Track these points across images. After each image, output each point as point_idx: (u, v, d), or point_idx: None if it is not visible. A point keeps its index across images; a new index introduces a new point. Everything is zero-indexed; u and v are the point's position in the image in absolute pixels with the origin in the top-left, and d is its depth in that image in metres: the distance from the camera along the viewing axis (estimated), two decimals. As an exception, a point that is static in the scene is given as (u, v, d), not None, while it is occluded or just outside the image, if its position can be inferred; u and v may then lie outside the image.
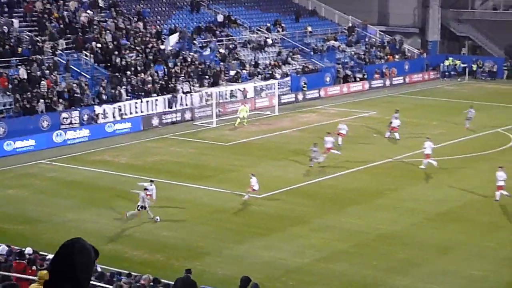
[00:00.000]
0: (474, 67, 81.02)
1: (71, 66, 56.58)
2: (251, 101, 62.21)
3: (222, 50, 67.69)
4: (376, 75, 75.31)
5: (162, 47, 61.55)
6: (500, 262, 29.46)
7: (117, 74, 57.52)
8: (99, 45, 59.77)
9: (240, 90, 62.32)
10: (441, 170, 43.01)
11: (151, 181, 35.43)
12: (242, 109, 56.10)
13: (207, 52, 65.79)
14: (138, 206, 34.14)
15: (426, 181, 40.90)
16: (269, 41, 72.85)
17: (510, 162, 44.68)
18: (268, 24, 75.73)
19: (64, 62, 56.61)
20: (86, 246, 6.10)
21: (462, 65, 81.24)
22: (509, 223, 34.11)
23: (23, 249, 24.59)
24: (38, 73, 53.84)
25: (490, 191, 38.60)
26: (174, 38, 61.87)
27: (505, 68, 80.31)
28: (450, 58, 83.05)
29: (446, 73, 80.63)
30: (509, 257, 30.05)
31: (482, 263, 29.33)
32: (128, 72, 58.11)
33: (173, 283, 23.14)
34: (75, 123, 51.82)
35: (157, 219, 34.20)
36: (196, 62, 63.35)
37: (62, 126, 51.01)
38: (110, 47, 60.09)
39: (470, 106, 55.04)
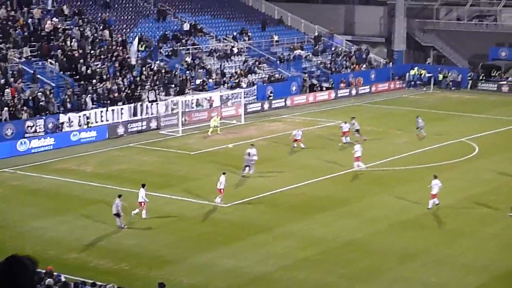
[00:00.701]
0: (440, 76, 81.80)
1: (37, 74, 56.25)
2: (218, 110, 62.23)
3: (188, 59, 67.69)
4: (342, 84, 75.71)
5: (132, 62, 61.11)
6: (460, 269, 29.78)
7: (82, 82, 57.29)
8: (64, 52, 59.48)
9: (206, 99, 62.36)
10: (404, 178, 43.37)
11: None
12: (215, 119, 56.22)
13: (176, 62, 65.53)
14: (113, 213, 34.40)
15: (391, 190, 41.17)
16: (235, 50, 72.99)
17: (474, 171, 45.34)
18: (235, 33, 75.87)
19: (28, 70, 56.28)
20: (23, 261, 6.21)
21: (428, 75, 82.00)
22: (472, 231, 34.46)
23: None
24: (2, 81, 53.49)
25: (453, 200, 39.06)
26: (134, 47, 61.46)
27: (469, 78, 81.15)
28: (416, 68, 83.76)
29: (412, 83, 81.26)
30: (469, 264, 30.37)
31: (443, 271, 29.61)
32: (94, 81, 57.92)
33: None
34: (40, 132, 51.50)
35: (124, 226, 34.31)
36: (162, 71, 63.27)
37: (27, 135, 50.67)
38: (76, 55, 59.80)
39: (417, 116, 55.44)
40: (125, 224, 34.52)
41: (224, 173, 38.66)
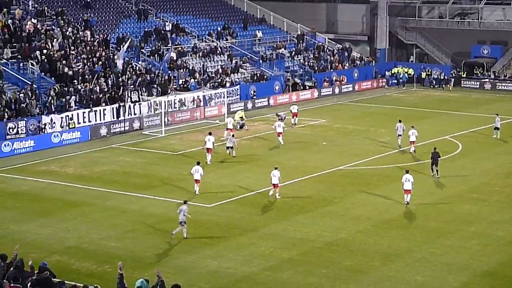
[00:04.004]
0: (423, 74, 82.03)
1: (18, 76, 55.97)
2: (200, 110, 62.17)
3: (173, 55, 67.47)
4: (325, 83, 75.78)
5: (118, 65, 60.63)
6: (442, 268, 29.83)
7: (62, 83, 57.01)
8: (45, 53, 59.20)
9: (194, 98, 62.24)
10: (389, 177, 43.45)
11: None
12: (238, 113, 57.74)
13: (166, 61, 65.31)
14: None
15: (374, 189, 41.20)
16: (218, 50, 72.86)
17: (457, 169, 45.48)
18: (217, 32, 75.70)
19: (9, 71, 55.96)
20: None
21: (410, 73, 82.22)
22: (454, 230, 34.54)
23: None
24: (-17, 82, 53.22)
25: (436, 198, 39.19)
26: (122, 53, 60.92)
27: (452, 76, 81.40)
28: (399, 66, 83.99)
29: (395, 81, 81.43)
30: (452, 262, 30.44)
31: (427, 269, 29.68)
32: (75, 81, 57.67)
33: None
34: (21, 133, 51.23)
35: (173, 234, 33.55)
36: (144, 71, 63.06)
37: (8, 136, 50.39)
38: (57, 56, 59.49)
39: (399, 120, 52.04)
40: (175, 233, 33.57)
41: (276, 168, 39.19)
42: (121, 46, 62.31)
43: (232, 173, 44.61)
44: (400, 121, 51.27)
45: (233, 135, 49.50)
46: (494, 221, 35.89)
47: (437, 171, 43.50)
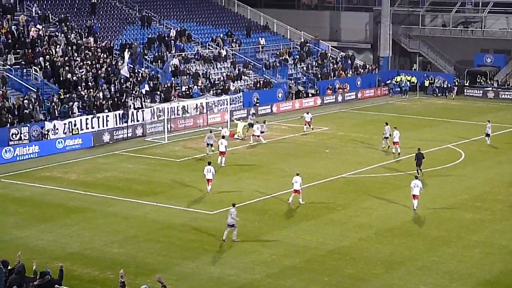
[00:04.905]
0: (426, 83, 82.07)
1: (21, 82, 56.05)
2: (203, 117, 62.20)
3: (175, 62, 67.53)
4: (329, 91, 75.82)
5: (123, 73, 60.39)
6: (444, 277, 29.77)
7: (65, 89, 57.06)
8: (48, 59, 59.27)
9: (198, 105, 62.29)
10: (392, 185, 43.43)
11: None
12: (240, 125, 57.26)
13: (170, 67, 65.16)
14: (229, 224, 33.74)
15: (377, 197, 41.17)
16: (221, 57, 72.93)
17: (460, 178, 45.43)
18: (220, 40, 75.79)
19: (13, 77, 56.05)
20: None
21: (414, 81, 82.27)
22: (456, 238, 34.49)
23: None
24: (-14, 88, 53.27)
25: (439, 206, 39.16)
26: (125, 63, 60.46)
27: (455, 84, 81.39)
28: (402, 74, 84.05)
29: (398, 89, 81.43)
30: (454, 271, 30.37)
31: (429, 277, 29.63)
32: (79, 88, 57.73)
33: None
34: (25, 139, 51.29)
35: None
36: (147, 78, 63.11)
37: (11, 142, 50.45)
38: (60, 62, 59.57)
39: (385, 123, 53.68)
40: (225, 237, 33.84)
41: (298, 174, 39.33)
42: (123, 56, 61.83)
43: (234, 180, 44.60)
44: (386, 124, 52.92)
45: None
46: (497, 230, 35.83)
47: (420, 170, 44.57)
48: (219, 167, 46.28)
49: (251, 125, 57.01)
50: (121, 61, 62.04)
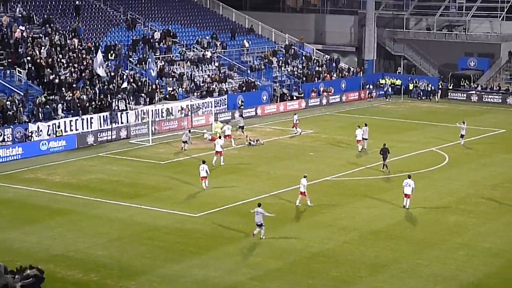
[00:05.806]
0: (411, 86, 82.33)
1: (4, 83, 55.76)
2: (188, 119, 62.10)
3: (159, 64, 67.39)
4: (313, 94, 75.87)
5: (101, 74, 60.05)
6: (430, 279, 29.85)
7: (49, 91, 56.80)
8: (32, 61, 58.98)
9: (182, 107, 62.18)
10: (376, 188, 43.51)
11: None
12: (216, 126, 57.35)
13: (153, 72, 64.84)
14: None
15: (361, 200, 41.23)
16: (206, 59, 72.85)
17: (444, 181, 45.56)
18: (205, 42, 75.72)
19: (-3, 78, 55.93)
20: None
21: (398, 84, 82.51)
22: (441, 241, 34.58)
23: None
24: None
25: (423, 209, 39.24)
26: (98, 60, 59.94)
27: (439, 87, 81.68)
28: (386, 77, 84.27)
29: (382, 92, 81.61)
30: (438, 273, 30.44)
31: (413, 280, 29.69)
32: (63, 89, 57.48)
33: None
34: (8, 141, 51.01)
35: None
36: (131, 80, 62.92)
37: (-6, 144, 50.26)
38: (44, 63, 59.29)
39: (364, 124, 54.37)
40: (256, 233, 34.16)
41: (305, 176, 39.50)
42: (96, 56, 60.99)
43: (219, 182, 44.52)
44: (366, 125, 53.81)
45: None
46: (481, 232, 35.97)
47: (386, 166, 46.29)
48: (213, 167, 46.50)
49: (241, 127, 56.89)
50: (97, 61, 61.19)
